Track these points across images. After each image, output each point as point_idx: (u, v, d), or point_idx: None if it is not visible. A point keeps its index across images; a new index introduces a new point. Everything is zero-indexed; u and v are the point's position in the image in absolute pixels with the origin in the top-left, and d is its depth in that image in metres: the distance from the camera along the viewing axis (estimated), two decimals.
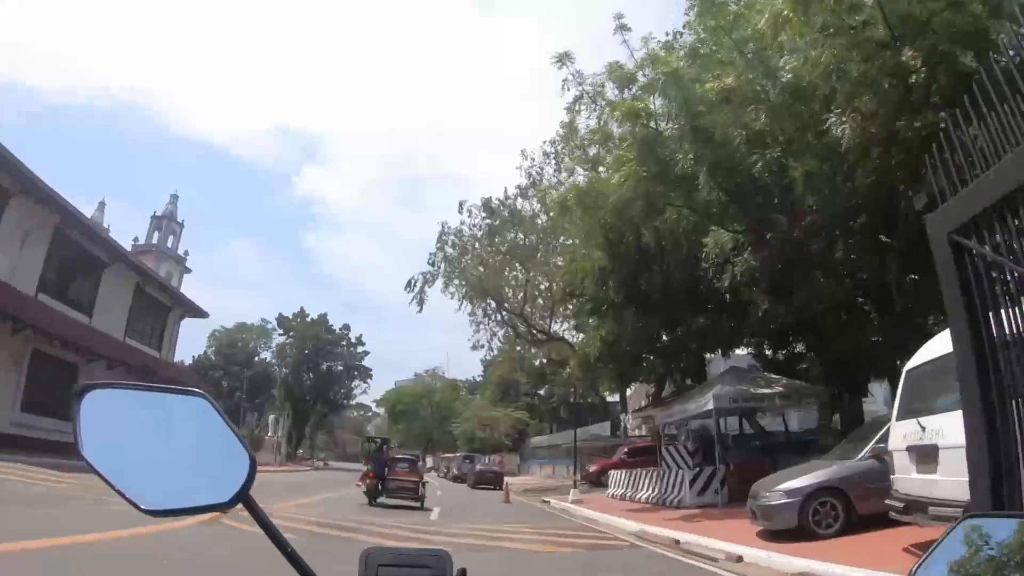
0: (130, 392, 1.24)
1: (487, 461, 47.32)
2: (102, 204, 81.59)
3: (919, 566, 1.22)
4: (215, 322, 78.58)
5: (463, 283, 44.80)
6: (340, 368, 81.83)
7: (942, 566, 1.22)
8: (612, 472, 26.62)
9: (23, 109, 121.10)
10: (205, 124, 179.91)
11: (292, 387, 75.83)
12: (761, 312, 17.61)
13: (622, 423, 49.29)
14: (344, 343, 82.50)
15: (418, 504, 19.61)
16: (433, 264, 45.57)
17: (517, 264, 44.97)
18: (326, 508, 17.55)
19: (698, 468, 18.09)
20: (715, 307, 19.26)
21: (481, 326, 51.29)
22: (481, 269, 44.89)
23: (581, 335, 33.58)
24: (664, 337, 19.80)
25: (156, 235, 74.88)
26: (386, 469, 20.05)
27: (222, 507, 1.13)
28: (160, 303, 37.12)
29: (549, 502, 24.97)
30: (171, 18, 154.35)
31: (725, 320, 18.60)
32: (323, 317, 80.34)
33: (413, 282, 45.32)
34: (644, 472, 22.39)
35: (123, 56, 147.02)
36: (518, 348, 53.53)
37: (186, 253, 76.74)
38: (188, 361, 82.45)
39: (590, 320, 19.53)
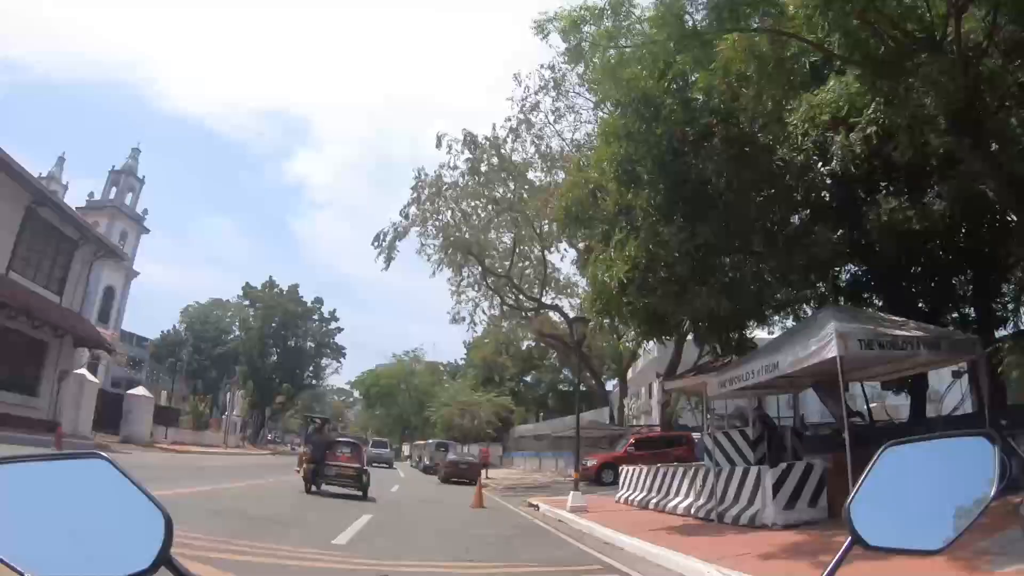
0: (23, 466, 1.12)
1: (463, 451, 40.67)
2: (61, 159, 74.68)
3: (853, 495, 1.27)
4: (189, 297, 72.35)
5: (441, 237, 37.91)
6: (310, 345, 74.75)
7: (870, 494, 1.29)
8: (623, 470, 19.85)
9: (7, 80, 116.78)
10: (188, 101, 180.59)
11: (256, 363, 68.76)
12: (885, 214, 11.06)
13: (627, 408, 42.51)
14: (316, 318, 75.42)
15: (360, 494, 17.73)
16: (407, 217, 38.58)
17: (507, 217, 38.08)
18: (231, 500, 13.83)
19: (783, 466, 11.34)
20: (813, 209, 12.55)
21: (463, 295, 44.39)
22: (462, 222, 38.01)
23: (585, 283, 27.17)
24: (726, 261, 12.86)
25: (114, 191, 67.37)
26: (326, 453, 18.24)
27: (144, 574, 1.05)
28: (63, 236, 29.93)
29: (538, 507, 18.32)
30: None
31: (822, 231, 11.71)
32: (293, 289, 73.30)
33: (382, 236, 38.40)
34: (675, 471, 15.68)
35: (113, 34, 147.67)
36: (504, 324, 46.35)
37: (145, 211, 69.51)
38: (154, 336, 75.67)
39: (610, 245, 12.63)
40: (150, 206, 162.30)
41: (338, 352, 78.04)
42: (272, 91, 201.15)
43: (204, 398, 58.13)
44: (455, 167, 37.71)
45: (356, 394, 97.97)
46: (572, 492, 16.74)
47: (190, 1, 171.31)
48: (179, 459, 29.09)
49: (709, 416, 16.17)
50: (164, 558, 1.05)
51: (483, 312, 45.07)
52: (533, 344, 77.23)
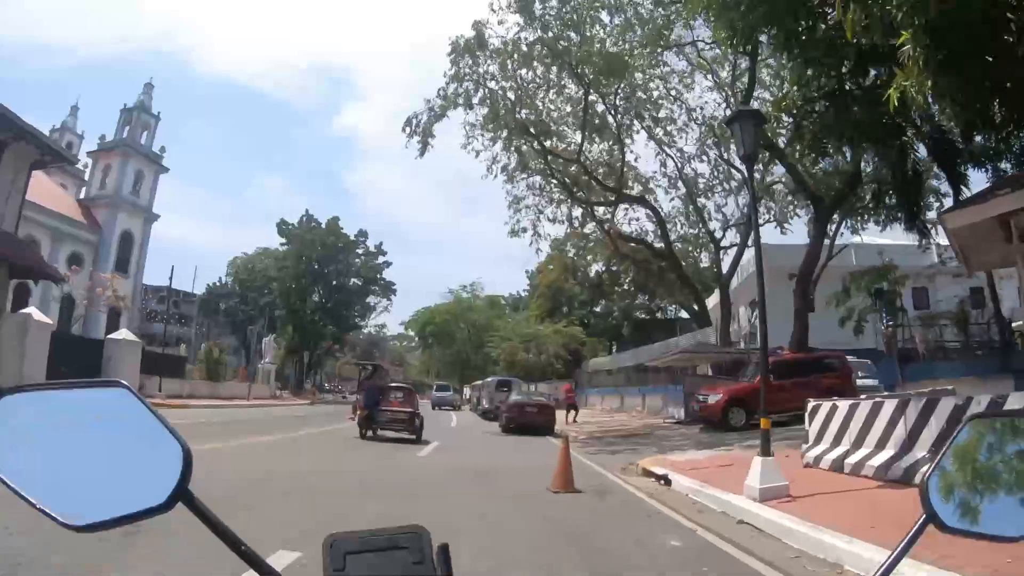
0: (45, 393, 1.10)
1: (530, 390, 32.74)
2: (74, 108, 69.35)
3: (932, 470, 1.20)
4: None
5: (490, 105, 29.38)
6: (355, 282, 67.44)
7: (951, 467, 1.22)
8: (815, 408, 11.12)
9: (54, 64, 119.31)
10: (230, 62, 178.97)
11: (294, 304, 61.95)
12: None
13: (745, 326, 33.81)
14: (360, 252, 67.94)
15: (413, 437, 17.87)
16: (445, 97, 30.03)
17: (571, 81, 29.20)
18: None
19: None
20: None
21: (522, 203, 35.76)
22: (517, 91, 29.33)
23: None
24: None
25: (127, 130, 60.53)
26: (379, 399, 18.55)
27: (158, 510, 1.01)
28: None
29: (667, 480, 10.21)
30: None
31: None
32: (333, 222, 65.77)
33: (415, 120, 30.10)
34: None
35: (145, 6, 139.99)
36: (575, 220, 37.15)
37: (162, 149, 63.01)
38: (200, 290, 69.75)
39: None
40: (204, 171, 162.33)
41: (387, 289, 70.80)
42: (312, 46, 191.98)
43: (217, 344, 51.61)
44: (502, 21, 28.96)
45: (412, 335, 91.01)
46: (759, 458, 8.17)
47: None
48: (170, 415, 21.72)
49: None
50: (182, 493, 1.00)
51: (547, 218, 36.52)
52: (603, 269, 68.70)
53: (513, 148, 30.72)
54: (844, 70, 11.73)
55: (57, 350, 23.46)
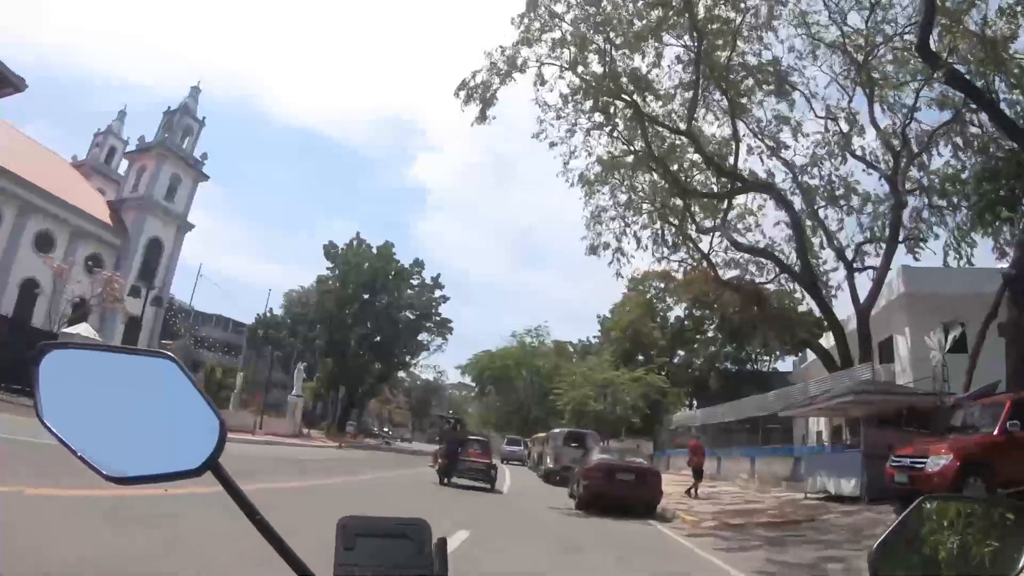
0: (93, 353, 1.16)
1: (611, 447, 24.53)
2: (122, 113, 66.25)
3: (879, 543, 1.26)
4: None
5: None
6: (407, 316, 60.51)
7: (900, 543, 1.31)
8: None
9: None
10: (305, 111, 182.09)
11: (335, 334, 55.37)
12: None
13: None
14: (414, 283, 61.21)
15: (488, 486, 19.26)
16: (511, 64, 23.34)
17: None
18: None
19: None
20: None
21: (605, 213, 28.60)
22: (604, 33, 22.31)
23: None
24: None
25: (167, 135, 56.31)
26: (459, 449, 19.94)
27: (190, 474, 1.08)
28: None
29: None
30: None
31: None
32: (386, 248, 59.26)
33: (471, 83, 23.36)
34: None
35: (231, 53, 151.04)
36: (665, 239, 29.59)
37: (204, 156, 58.10)
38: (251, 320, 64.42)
39: None
40: (281, 209, 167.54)
41: (443, 326, 63.50)
42: (386, 97, 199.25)
43: (217, 367, 45.32)
44: None
45: (468, 380, 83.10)
46: None
47: (293, 18, 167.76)
48: None
49: None
50: (213, 463, 1.07)
51: (632, 235, 28.97)
52: (685, 312, 60.23)
53: (600, 109, 23.44)
54: None
55: None
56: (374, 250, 58.14)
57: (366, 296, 56.05)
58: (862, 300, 24.71)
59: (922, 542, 1.29)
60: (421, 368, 70.26)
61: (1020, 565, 1.18)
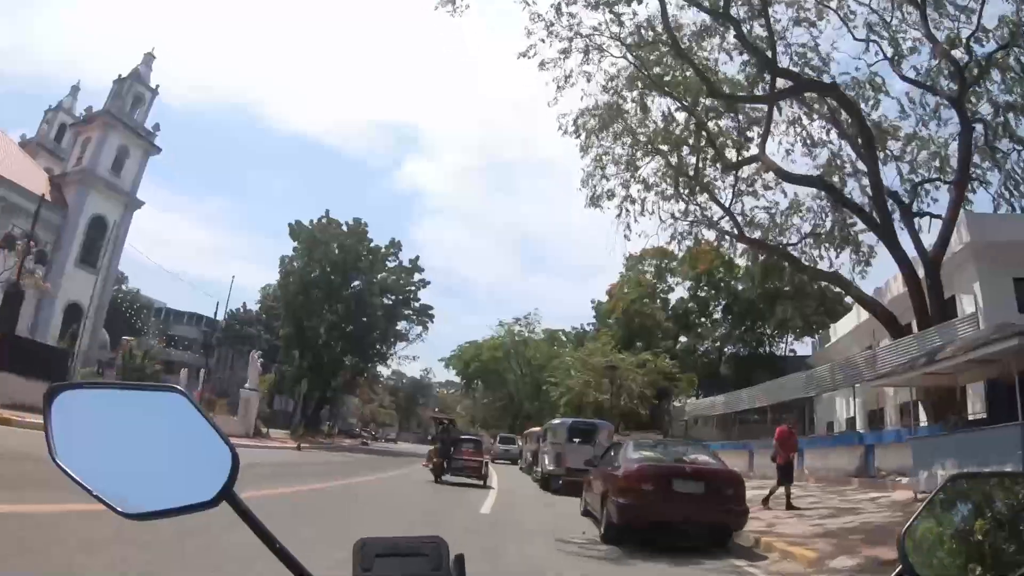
0: (103, 391, 1.19)
1: (649, 440, 18.62)
2: (75, 88, 59.93)
3: (909, 525, 1.23)
4: None
5: None
6: (384, 301, 54.45)
7: (930, 524, 1.26)
8: None
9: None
10: (303, 119, 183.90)
11: (302, 321, 49.33)
12: None
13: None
14: (391, 262, 55.11)
15: (481, 483, 19.91)
16: None
17: None
18: None
19: None
20: None
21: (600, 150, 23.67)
22: None
23: None
24: None
25: (116, 103, 49.92)
26: (452, 449, 20.86)
27: (206, 506, 1.09)
28: None
29: None
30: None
31: None
32: (360, 225, 53.21)
33: None
34: None
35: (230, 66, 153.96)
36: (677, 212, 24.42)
37: (156, 127, 51.63)
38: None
39: None
40: (278, 218, 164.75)
41: (423, 314, 57.56)
42: (382, 104, 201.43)
43: (129, 343, 39.18)
44: None
45: (453, 375, 77.06)
46: None
47: (290, 27, 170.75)
48: None
49: None
50: (228, 493, 1.07)
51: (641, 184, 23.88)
52: (689, 293, 54.46)
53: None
54: None
55: None
56: (344, 228, 52.10)
57: (335, 278, 49.98)
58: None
59: (954, 523, 1.25)
60: (400, 361, 63.38)
61: None
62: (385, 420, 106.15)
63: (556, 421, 21.86)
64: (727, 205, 25.78)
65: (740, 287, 52.35)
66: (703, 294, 54.53)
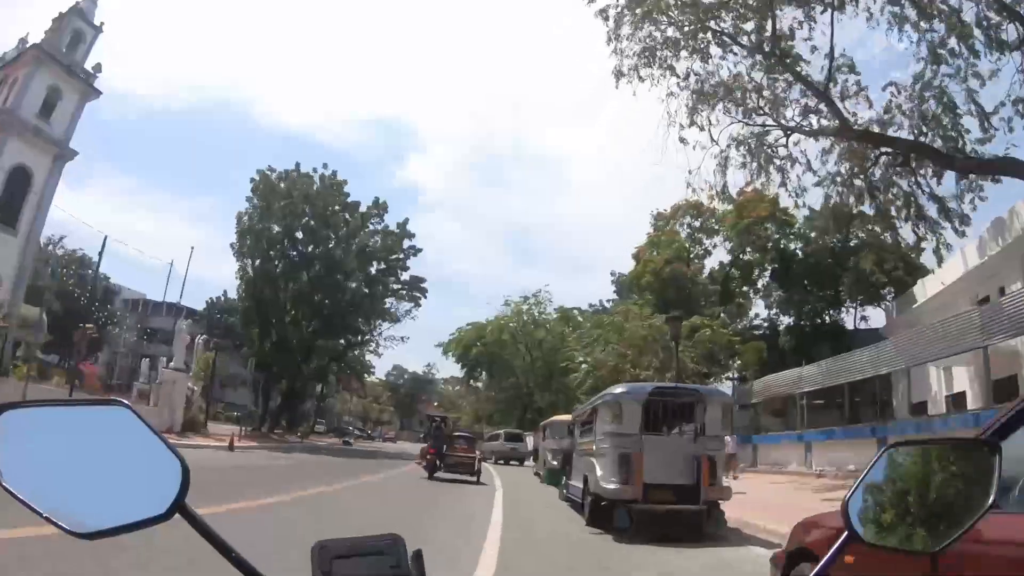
0: (46, 409, 1.15)
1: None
2: (22, 41, 50.49)
3: (850, 494, 1.28)
4: None
5: None
6: (366, 268, 44.92)
7: (868, 492, 1.31)
8: None
9: (124, 112, 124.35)
10: (293, 116, 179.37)
11: (261, 291, 39.99)
12: None
13: None
14: (376, 225, 45.67)
15: (474, 479, 20.05)
16: None
17: None
18: None
19: None
20: None
21: None
22: None
23: None
24: None
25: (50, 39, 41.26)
26: (444, 446, 21.16)
27: (159, 519, 1.07)
28: None
29: None
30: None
31: None
32: (335, 179, 43.68)
33: None
34: None
35: (216, 56, 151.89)
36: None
37: (97, 67, 42.91)
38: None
39: None
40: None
41: (415, 288, 48.24)
42: (373, 100, 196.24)
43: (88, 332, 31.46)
44: None
45: (455, 366, 66.94)
46: None
47: (281, 22, 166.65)
48: None
49: None
50: (180, 505, 1.05)
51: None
52: (730, 253, 45.17)
53: None
54: None
55: None
56: (316, 182, 42.56)
57: (302, 238, 40.64)
58: None
59: (894, 489, 1.32)
60: (387, 344, 53.16)
61: (988, 502, 1.23)
62: (383, 418, 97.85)
63: (619, 389, 11.86)
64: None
65: (794, 247, 43.31)
66: (747, 257, 45.11)
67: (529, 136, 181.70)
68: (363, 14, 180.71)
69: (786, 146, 21.12)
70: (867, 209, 23.90)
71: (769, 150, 21.31)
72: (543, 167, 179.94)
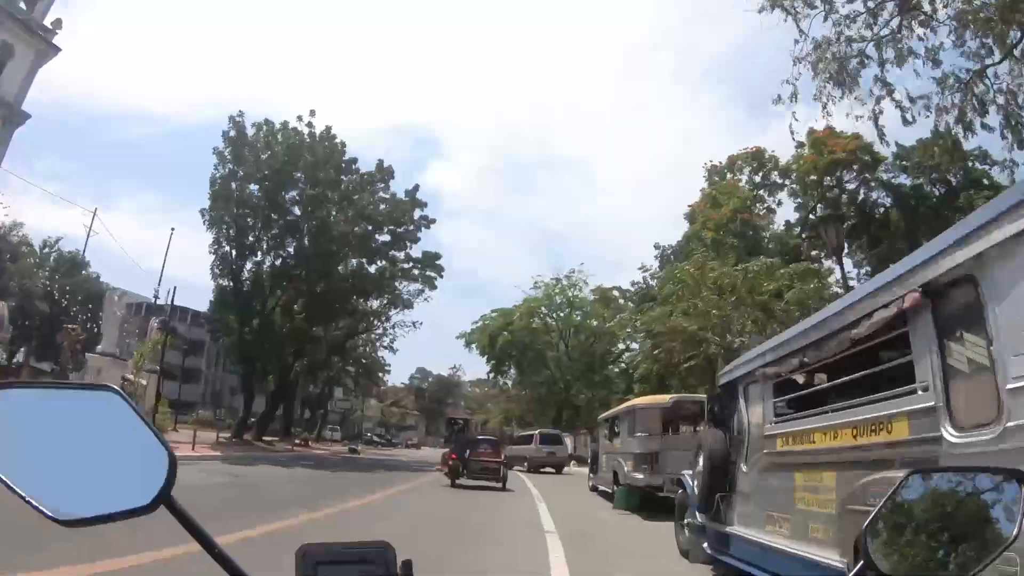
0: (34, 391, 1.15)
1: None
2: None
3: (870, 521, 1.25)
4: None
5: None
6: (368, 232, 37.54)
7: (889, 519, 1.28)
8: None
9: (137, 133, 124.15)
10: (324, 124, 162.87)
11: (241, 270, 32.92)
12: None
13: None
14: (381, 190, 38.37)
15: (499, 485, 19.29)
16: None
17: None
18: None
19: None
20: None
21: None
22: None
23: None
24: None
25: None
26: (468, 451, 20.17)
27: (143, 511, 1.05)
28: None
29: None
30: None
31: None
32: (327, 136, 36.44)
33: None
34: None
35: (235, 68, 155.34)
36: None
37: (57, 23, 36.95)
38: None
39: None
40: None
41: (430, 265, 40.81)
42: (395, 107, 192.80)
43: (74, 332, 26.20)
44: None
45: (476, 353, 59.25)
46: None
47: (301, 31, 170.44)
48: None
49: None
50: (165, 497, 1.03)
51: None
52: (797, 204, 37.08)
53: None
54: None
55: None
56: (306, 137, 35.33)
57: (286, 196, 33.46)
58: None
59: (913, 518, 1.27)
60: (398, 330, 45.51)
61: (1014, 534, 1.19)
62: (406, 423, 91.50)
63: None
64: None
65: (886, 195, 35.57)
66: (819, 212, 37.34)
67: (554, 138, 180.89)
68: (385, 24, 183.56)
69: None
70: (993, 118, 17.40)
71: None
72: (569, 168, 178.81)
